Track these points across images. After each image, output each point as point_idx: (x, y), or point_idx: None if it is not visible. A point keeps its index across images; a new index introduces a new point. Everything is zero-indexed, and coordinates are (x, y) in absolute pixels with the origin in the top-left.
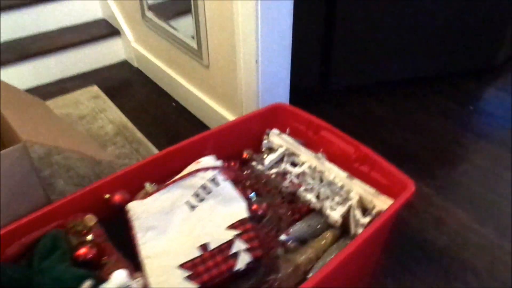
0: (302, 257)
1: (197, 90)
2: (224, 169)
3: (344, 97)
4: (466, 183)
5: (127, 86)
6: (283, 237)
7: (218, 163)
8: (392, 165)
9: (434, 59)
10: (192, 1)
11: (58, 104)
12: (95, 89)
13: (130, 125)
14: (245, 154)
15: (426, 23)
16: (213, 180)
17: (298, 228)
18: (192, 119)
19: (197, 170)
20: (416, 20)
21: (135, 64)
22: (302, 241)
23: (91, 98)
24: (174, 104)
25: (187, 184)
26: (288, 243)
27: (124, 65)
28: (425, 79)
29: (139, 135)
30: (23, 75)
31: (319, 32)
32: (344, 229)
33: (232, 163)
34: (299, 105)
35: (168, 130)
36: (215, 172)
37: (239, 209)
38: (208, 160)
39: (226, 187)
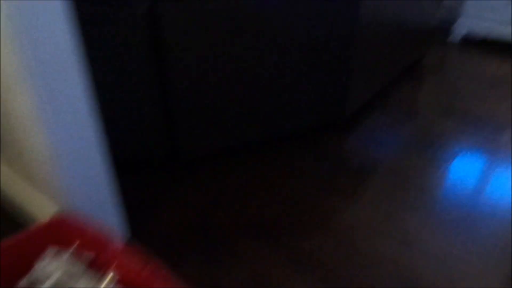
0: None
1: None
2: None
3: (197, 167)
4: (313, 249)
5: None
6: None
7: None
8: None
9: (282, 119)
10: None
11: None
12: None
13: None
14: (24, 284)
15: (267, 84)
16: None
17: None
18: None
19: None
20: (257, 80)
21: None
22: None
23: None
24: None
25: None
26: None
27: None
28: (279, 140)
29: None
30: None
31: (156, 106)
32: None
33: None
34: (150, 182)
35: None
36: None
37: None
38: None
39: None
